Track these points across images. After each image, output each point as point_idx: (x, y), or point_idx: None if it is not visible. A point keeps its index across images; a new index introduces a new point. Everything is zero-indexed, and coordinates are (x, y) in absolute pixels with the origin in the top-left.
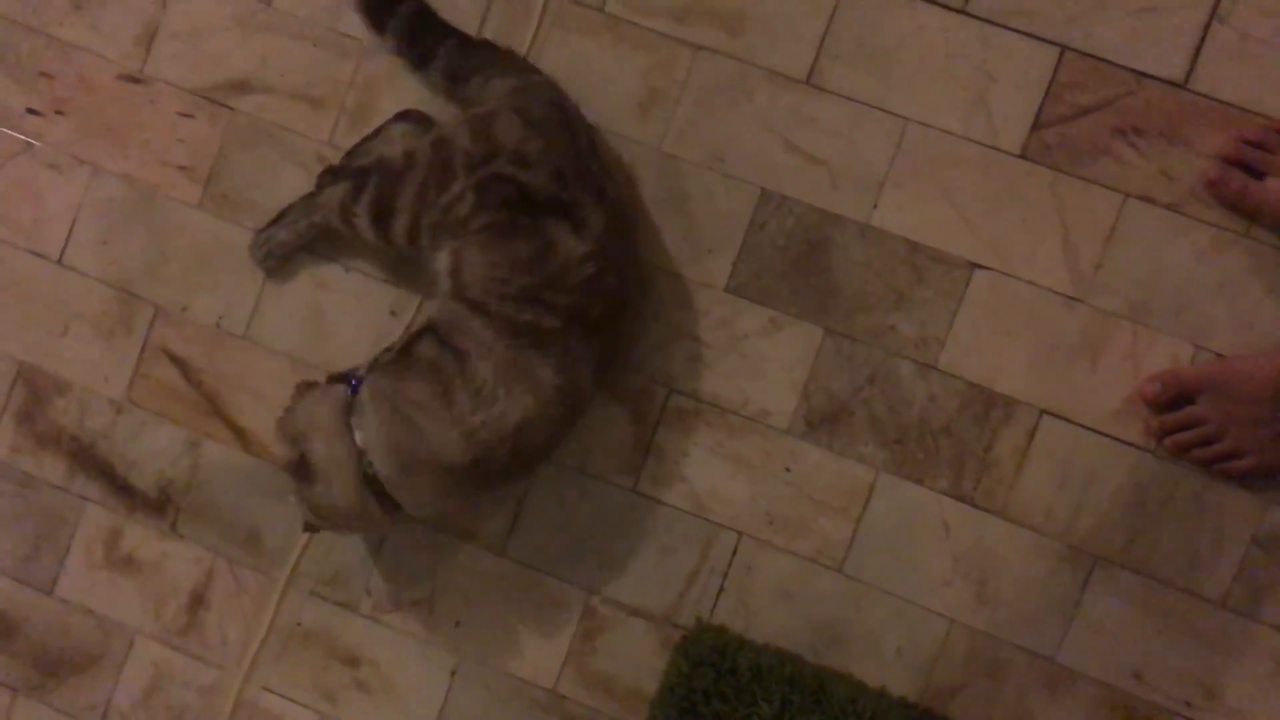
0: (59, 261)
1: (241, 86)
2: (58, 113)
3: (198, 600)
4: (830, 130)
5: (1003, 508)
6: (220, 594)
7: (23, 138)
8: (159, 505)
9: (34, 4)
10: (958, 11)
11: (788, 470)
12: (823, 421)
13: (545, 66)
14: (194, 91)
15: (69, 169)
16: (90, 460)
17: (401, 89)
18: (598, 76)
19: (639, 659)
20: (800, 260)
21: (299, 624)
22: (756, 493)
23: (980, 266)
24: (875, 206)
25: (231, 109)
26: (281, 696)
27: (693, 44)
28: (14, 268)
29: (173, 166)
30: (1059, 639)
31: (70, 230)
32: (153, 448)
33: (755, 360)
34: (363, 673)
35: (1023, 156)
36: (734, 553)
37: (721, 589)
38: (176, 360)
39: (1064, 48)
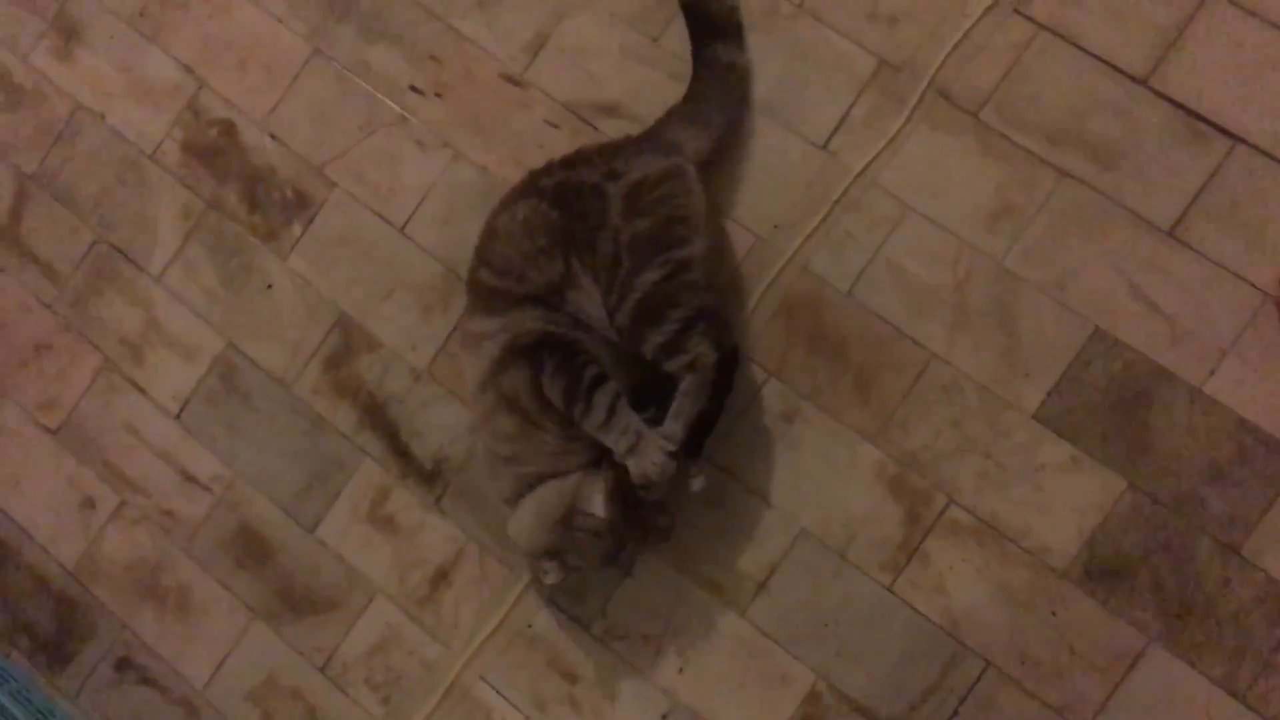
0: (401, 230)
1: (610, 110)
2: (437, 95)
3: (442, 576)
4: (1182, 286)
5: (1277, 715)
6: (464, 577)
7: (400, 110)
8: (430, 477)
9: None
10: None
11: (1054, 614)
12: (1103, 574)
13: (904, 158)
14: (565, 105)
15: (433, 149)
16: (380, 419)
17: (759, 148)
18: (953, 178)
19: None
20: (1119, 407)
21: (530, 625)
22: (1016, 627)
23: None
24: (1212, 373)
25: (595, 128)
26: (495, 690)
27: (1059, 169)
28: (360, 226)
29: (527, 167)
30: None
31: (419, 204)
32: (439, 422)
33: (1048, 494)
34: (578, 690)
35: None
36: (977, 680)
37: (955, 714)
38: None
39: None
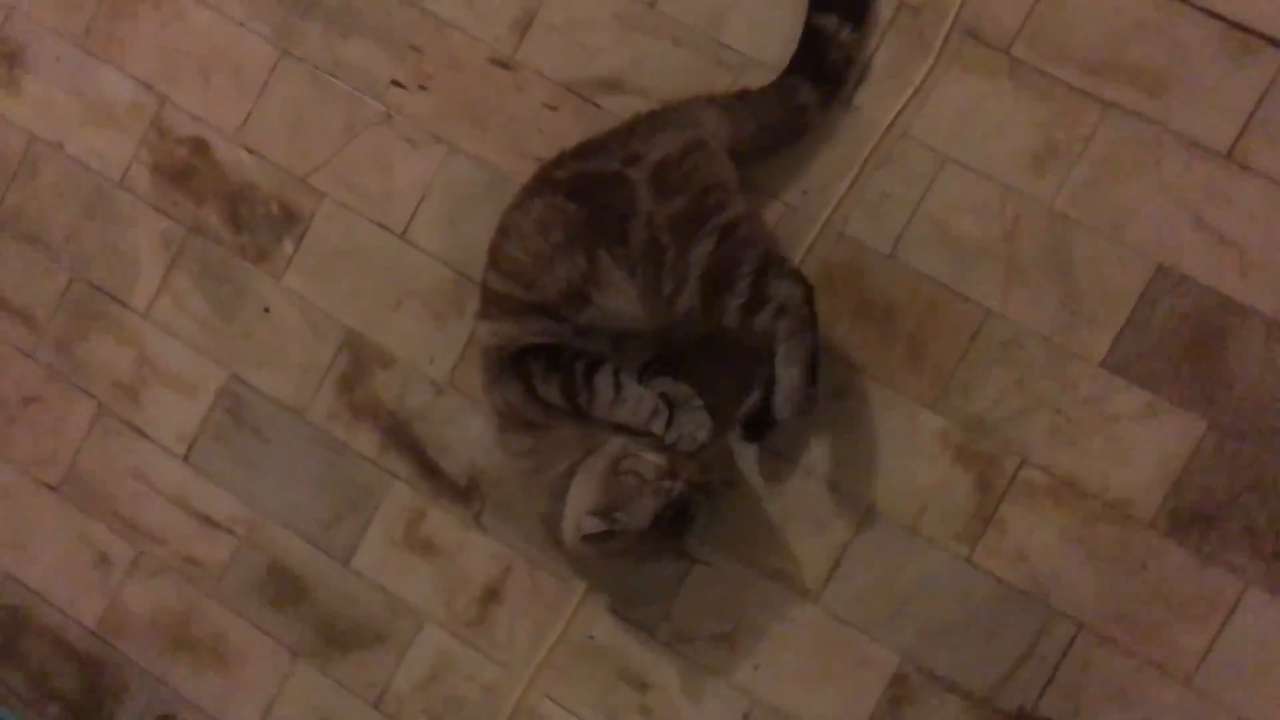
0: (401, 236)
1: (612, 85)
2: (421, 88)
3: (491, 595)
4: (1248, 212)
5: None
6: (515, 592)
7: (383, 108)
8: (465, 494)
9: None
10: None
11: (1145, 567)
12: (1192, 522)
13: (934, 105)
14: (563, 84)
15: (424, 145)
16: (404, 438)
17: None
18: (990, 121)
19: None
20: (1192, 346)
21: (591, 637)
22: (1105, 585)
23: None
24: None
25: (598, 106)
26: (563, 708)
27: (1104, 100)
28: (357, 236)
29: (529, 157)
30: None
31: (417, 206)
32: (467, 435)
33: (1125, 444)
34: (650, 699)
35: None
36: (1070, 644)
37: (1051, 681)
38: None
39: None
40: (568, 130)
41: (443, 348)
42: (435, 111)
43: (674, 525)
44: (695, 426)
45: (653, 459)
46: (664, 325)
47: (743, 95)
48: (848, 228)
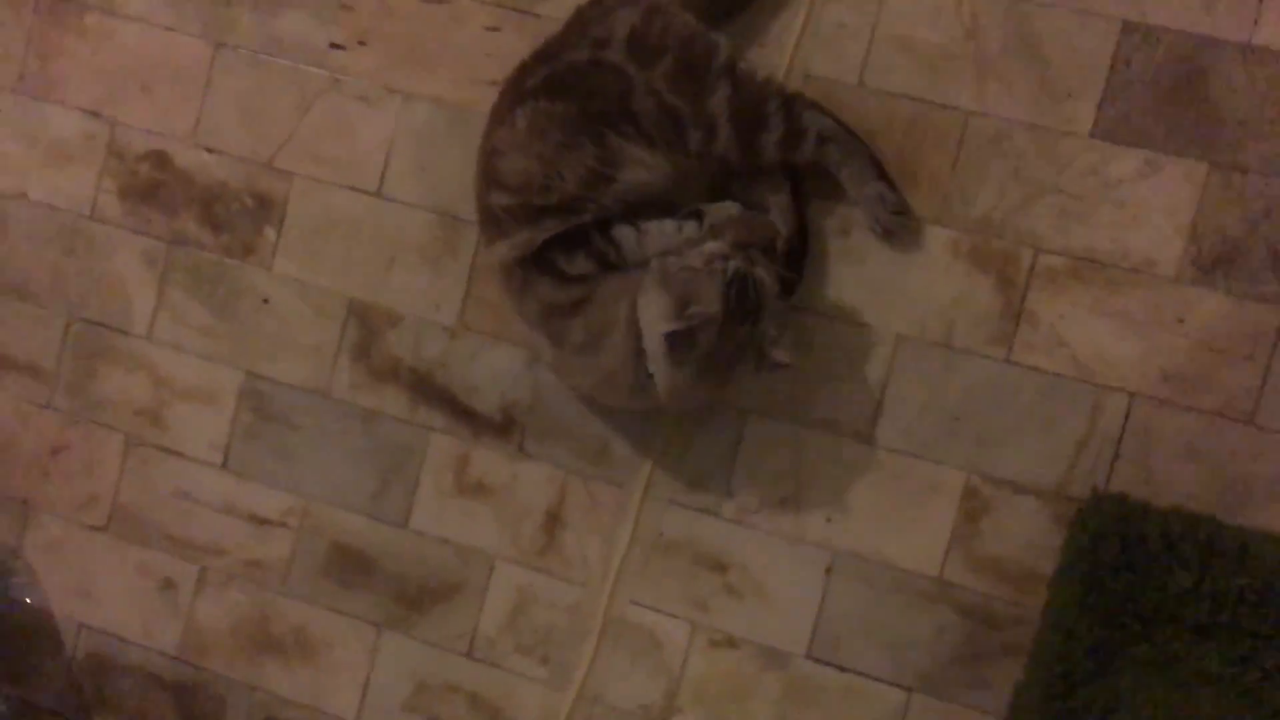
0: (378, 194)
1: None
2: (361, 44)
3: (553, 519)
4: None
5: None
6: (575, 511)
7: (329, 74)
8: (504, 427)
9: None
10: None
11: (1181, 321)
12: (1216, 264)
13: None
14: (498, 4)
15: (378, 99)
16: (430, 389)
17: None
18: None
19: (1030, 538)
20: (1174, 93)
21: (660, 534)
22: (1147, 349)
23: None
24: (1256, 23)
25: (538, 16)
26: (650, 609)
27: None
28: (334, 205)
29: (483, 83)
30: None
31: (386, 161)
32: (492, 370)
33: (1133, 207)
34: (732, 578)
35: None
36: (1127, 416)
37: (1116, 456)
38: None
39: None
40: (515, 47)
41: (446, 292)
42: (380, 64)
43: (743, 304)
44: (727, 208)
45: (698, 250)
46: (689, 182)
47: None
48: (812, 68)
